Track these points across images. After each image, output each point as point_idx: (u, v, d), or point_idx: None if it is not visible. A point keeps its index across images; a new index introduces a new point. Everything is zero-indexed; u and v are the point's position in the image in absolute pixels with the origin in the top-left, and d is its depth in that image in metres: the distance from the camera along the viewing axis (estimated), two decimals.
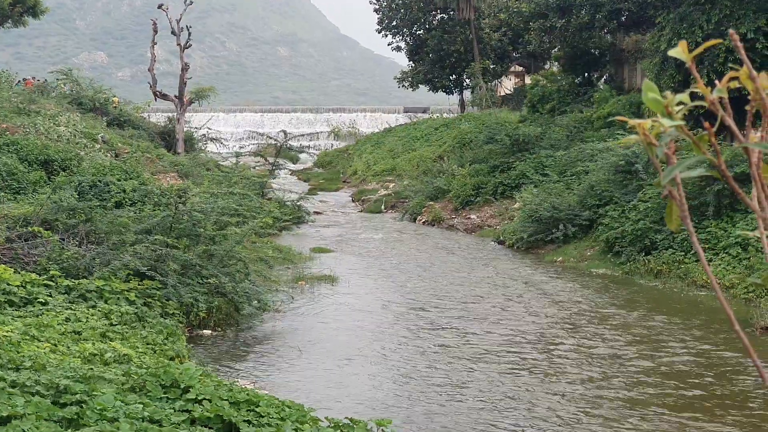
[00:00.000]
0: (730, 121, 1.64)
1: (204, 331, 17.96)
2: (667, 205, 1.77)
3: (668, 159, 1.70)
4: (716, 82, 1.70)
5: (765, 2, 30.61)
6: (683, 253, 24.57)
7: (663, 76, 33.03)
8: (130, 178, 28.10)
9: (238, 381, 12.87)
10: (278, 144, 48.75)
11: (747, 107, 1.66)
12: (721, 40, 1.87)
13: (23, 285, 15.30)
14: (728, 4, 31.32)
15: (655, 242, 25.74)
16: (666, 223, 1.80)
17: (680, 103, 1.70)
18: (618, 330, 18.96)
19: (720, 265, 23.03)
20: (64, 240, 18.47)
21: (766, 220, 1.67)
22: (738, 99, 2.33)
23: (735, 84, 1.66)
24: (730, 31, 1.60)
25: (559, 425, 12.92)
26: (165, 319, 16.11)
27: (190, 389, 9.25)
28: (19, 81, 56.48)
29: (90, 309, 15.16)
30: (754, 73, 1.59)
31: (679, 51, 1.71)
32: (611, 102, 43.82)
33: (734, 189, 1.64)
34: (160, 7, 52.46)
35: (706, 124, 1.63)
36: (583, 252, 28.96)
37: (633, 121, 1.74)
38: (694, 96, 1.71)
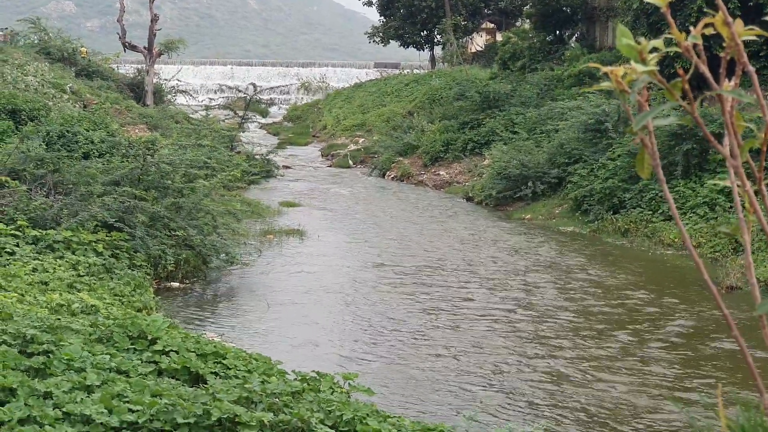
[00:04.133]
0: (704, 68, 1.63)
1: (172, 283, 17.93)
2: (638, 152, 1.77)
3: (640, 106, 1.69)
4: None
5: None
6: (651, 212, 24.71)
7: (635, 35, 32.89)
8: (99, 129, 27.89)
9: (205, 333, 12.87)
10: (247, 97, 48.54)
11: (722, 54, 1.65)
12: None
13: None
14: None
15: (623, 201, 25.86)
16: (637, 172, 1.80)
17: (654, 49, 1.69)
18: (585, 286, 19.07)
19: (687, 224, 23.15)
20: (31, 190, 18.33)
21: (738, 168, 1.67)
22: (714, 57, 2.32)
23: (710, 30, 1.65)
24: None
25: (526, 380, 13.02)
26: (133, 270, 16.09)
27: (158, 341, 9.23)
28: None
29: (57, 260, 15.10)
30: (729, 18, 1.58)
31: None
32: (582, 60, 43.70)
33: (705, 134, 1.64)
34: None
35: (680, 71, 1.62)
36: (552, 210, 29.06)
37: (605, 68, 1.73)
38: (668, 43, 1.70)
